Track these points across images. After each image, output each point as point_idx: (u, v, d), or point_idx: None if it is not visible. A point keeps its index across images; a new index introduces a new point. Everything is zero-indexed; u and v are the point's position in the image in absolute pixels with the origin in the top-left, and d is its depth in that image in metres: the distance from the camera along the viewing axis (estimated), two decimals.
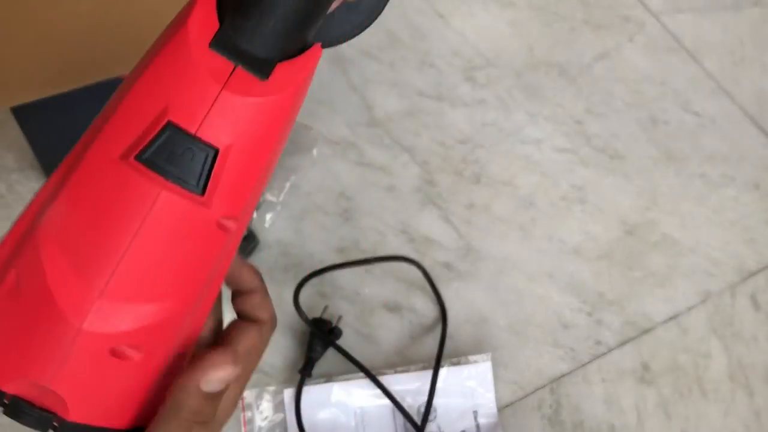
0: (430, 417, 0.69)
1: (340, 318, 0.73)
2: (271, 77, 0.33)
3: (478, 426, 0.70)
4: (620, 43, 0.91)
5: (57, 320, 0.33)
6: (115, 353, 0.34)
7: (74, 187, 0.33)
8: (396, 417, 0.70)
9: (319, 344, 0.71)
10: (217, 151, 0.33)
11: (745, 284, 0.76)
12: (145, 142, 0.32)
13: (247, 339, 0.39)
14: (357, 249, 0.78)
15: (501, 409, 0.71)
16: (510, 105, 0.87)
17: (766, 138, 0.85)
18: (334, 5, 0.35)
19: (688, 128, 0.85)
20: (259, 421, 0.70)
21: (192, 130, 0.32)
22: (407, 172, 0.82)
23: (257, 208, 0.78)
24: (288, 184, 0.79)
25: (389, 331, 0.74)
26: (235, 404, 0.39)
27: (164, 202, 0.32)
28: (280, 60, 0.33)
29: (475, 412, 0.70)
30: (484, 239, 0.79)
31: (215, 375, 0.36)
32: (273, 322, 0.40)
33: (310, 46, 0.34)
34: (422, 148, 0.84)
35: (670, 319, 0.75)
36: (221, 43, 0.33)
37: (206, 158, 0.33)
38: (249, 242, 0.76)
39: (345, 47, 0.85)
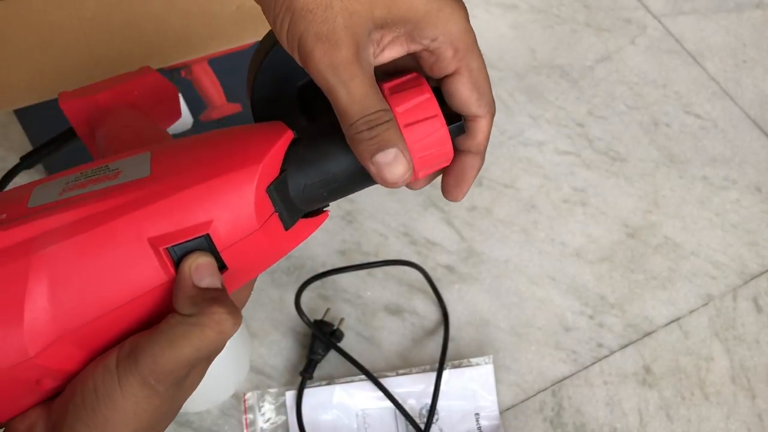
0: (432, 419, 0.69)
1: (341, 320, 0.73)
2: (291, 229, 0.38)
3: (480, 428, 0.70)
4: (622, 46, 0.91)
5: (14, 339, 0.34)
6: (39, 382, 0.36)
7: (92, 240, 0.35)
8: (398, 419, 0.70)
9: (321, 346, 0.71)
10: (225, 268, 0.37)
11: (747, 287, 0.76)
12: (179, 240, 0.35)
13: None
14: (359, 251, 0.78)
15: (503, 411, 0.71)
16: (512, 107, 0.87)
17: (767, 140, 0.85)
18: None
19: (689, 131, 0.85)
20: (261, 423, 0.70)
21: (219, 249, 0.36)
22: None
23: None
24: None
25: (391, 334, 0.74)
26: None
27: (163, 290, 0.36)
28: (302, 216, 0.39)
29: (477, 415, 0.70)
30: (485, 242, 0.79)
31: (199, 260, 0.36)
32: None
33: (323, 210, 0.40)
34: None
35: (672, 321, 0.75)
36: (274, 189, 0.37)
37: None
38: None
39: None
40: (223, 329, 0.35)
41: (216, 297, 0.35)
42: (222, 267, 0.37)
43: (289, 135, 0.38)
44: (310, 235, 0.39)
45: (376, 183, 0.39)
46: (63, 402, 0.36)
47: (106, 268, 0.35)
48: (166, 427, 0.38)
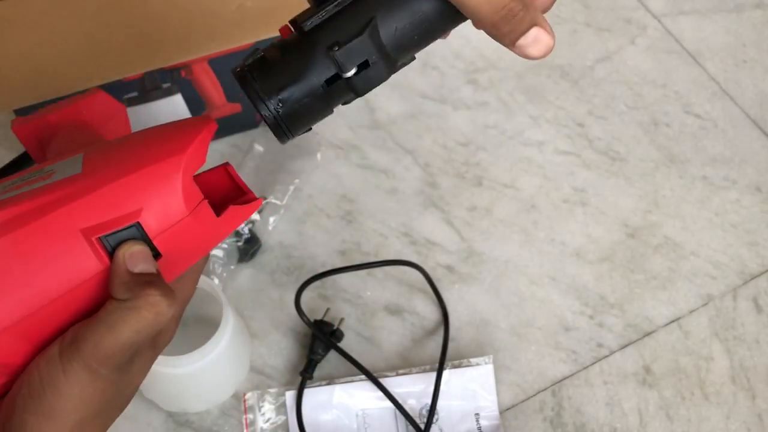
0: (432, 419, 0.69)
1: (341, 320, 0.73)
2: (222, 216, 0.39)
3: (480, 428, 0.70)
4: (622, 46, 0.91)
5: None
6: None
7: (27, 235, 0.37)
8: (398, 419, 0.70)
9: (321, 346, 0.71)
10: (159, 255, 0.38)
11: (746, 287, 0.76)
12: (111, 230, 0.37)
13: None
14: (359, 251, 0.78)
15: (503, 411, 0.71)
16: (512, 107, 0.87)
17: (767, 140, 0.85)
18: None
19: (689, 131, 0.85)
20: (261, 423, 0.70)
21: (151, 236, 0.38)
22: (409, 174, 0.82)
23: (260, 211, 0.78)
24: (292, 188, 0.80)
25: (391, 334, 0.74)
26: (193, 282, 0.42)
27: (99, 279, 0.37)
28: (232, 203, 0.40)
29: (477, 415, 0.70)
30: (485, 242, 0.79)
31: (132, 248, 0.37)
32: None
33: (255, 198, 0.41)
34: (424, 150, 0.84)
35: (672, 321, 0.75)
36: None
37: None
38: (252, 245, 0.77)
39: None
40: (158, 310, 0.36)
41: (150, 281, 0.37)
42: (156, 255, 0.38)
43: (213, 126, 0.39)
44: (243, 221, 0.40)
45: (465, 20, 0.40)
46: (11, 396, 0.37)
47: (43, 261, 0.36)
48: (117, 415, 0.39)
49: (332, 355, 0.72)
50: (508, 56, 0.92)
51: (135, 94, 0.76)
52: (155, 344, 0.40)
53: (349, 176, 0.82)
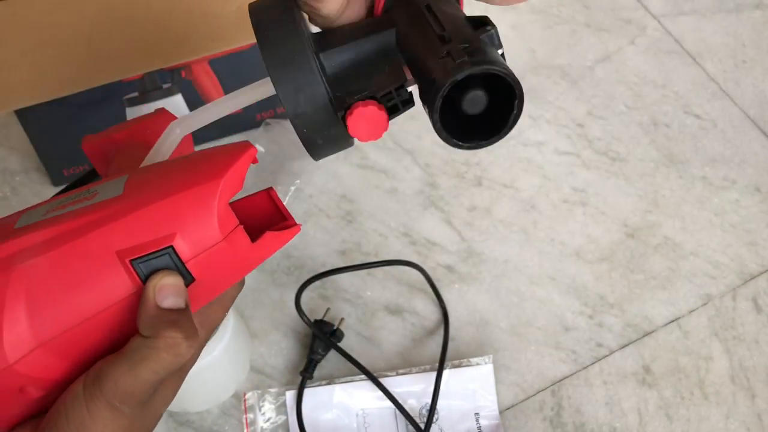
0: (432, 419, 0.69)
1: (341, 320, 0.73)
2: (257, 241, 0.39)
3: (479, 428, 0.70)
4: (622, 46, 0.91)
5: None
6: (23, 390, 0.38)
7: (66, 254, 0.38)
8: (398, 419, 0.70)
9: (321, 346, 0.71)
10: (193, 280, 0.39)
11: (746, 287, 0.76)
12: (145, 252, 0.38)
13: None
14: (359, 251, 0.78)
15: (502, 411, 0.71)
16: None
17: (767, 140, 0.85)
18: None
19: (689, 131, 0.85)
20: (262, 423, 0.70)
21: (184, 259, 0.38)
22: (409, 174, 0.83)
23: None
24: (292, 188, 0.80)
25: (391, 334, 0.74)
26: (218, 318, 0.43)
27: (132, 300, 0.38)
28: (271, 229, 0.40)
29: (477, 414, 0.70)
30: (485, 242, 0.79)
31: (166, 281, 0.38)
32: None
33: (294, 224, 0.42)
34: (424, 150, 0.84)
35: (672, 321, 0.75)
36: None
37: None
38: None
39: None
40: (177, 352, 0.37)
41: (175, 320, 0.37)
42: (190, 279, 0.38)
43: (252, 151, 0.40)
44: (279, 248, 0.41)
45: None
46: (42, 427, 0.38)
47: (79, 280, 0.37)
48: None
49: (332, 354, 0.72)
50: (508, 56, 0.92)
51: (135, 94, 0.76)
52: (179, 372, 0.41)
53: (349, 176, 0.82)
